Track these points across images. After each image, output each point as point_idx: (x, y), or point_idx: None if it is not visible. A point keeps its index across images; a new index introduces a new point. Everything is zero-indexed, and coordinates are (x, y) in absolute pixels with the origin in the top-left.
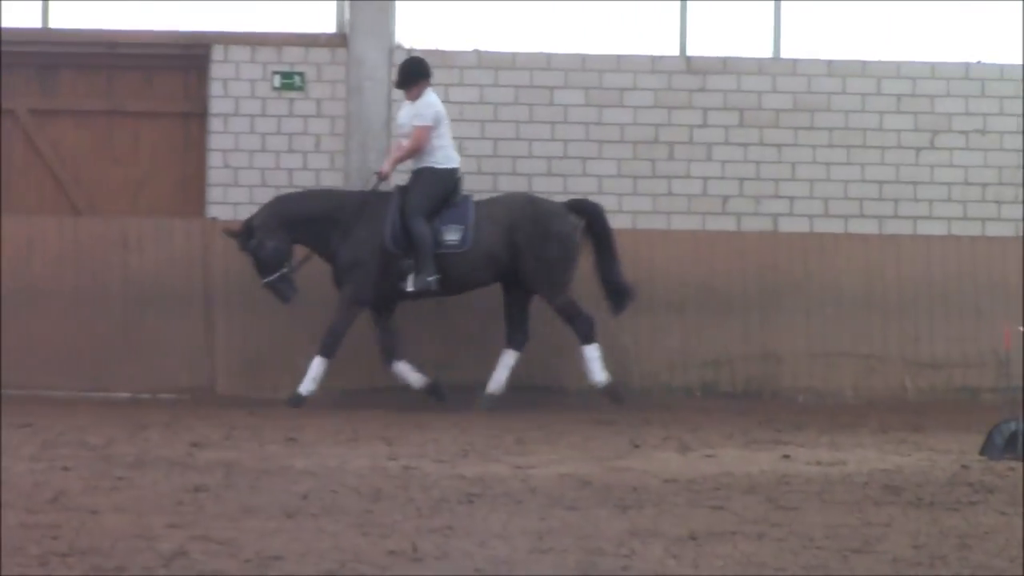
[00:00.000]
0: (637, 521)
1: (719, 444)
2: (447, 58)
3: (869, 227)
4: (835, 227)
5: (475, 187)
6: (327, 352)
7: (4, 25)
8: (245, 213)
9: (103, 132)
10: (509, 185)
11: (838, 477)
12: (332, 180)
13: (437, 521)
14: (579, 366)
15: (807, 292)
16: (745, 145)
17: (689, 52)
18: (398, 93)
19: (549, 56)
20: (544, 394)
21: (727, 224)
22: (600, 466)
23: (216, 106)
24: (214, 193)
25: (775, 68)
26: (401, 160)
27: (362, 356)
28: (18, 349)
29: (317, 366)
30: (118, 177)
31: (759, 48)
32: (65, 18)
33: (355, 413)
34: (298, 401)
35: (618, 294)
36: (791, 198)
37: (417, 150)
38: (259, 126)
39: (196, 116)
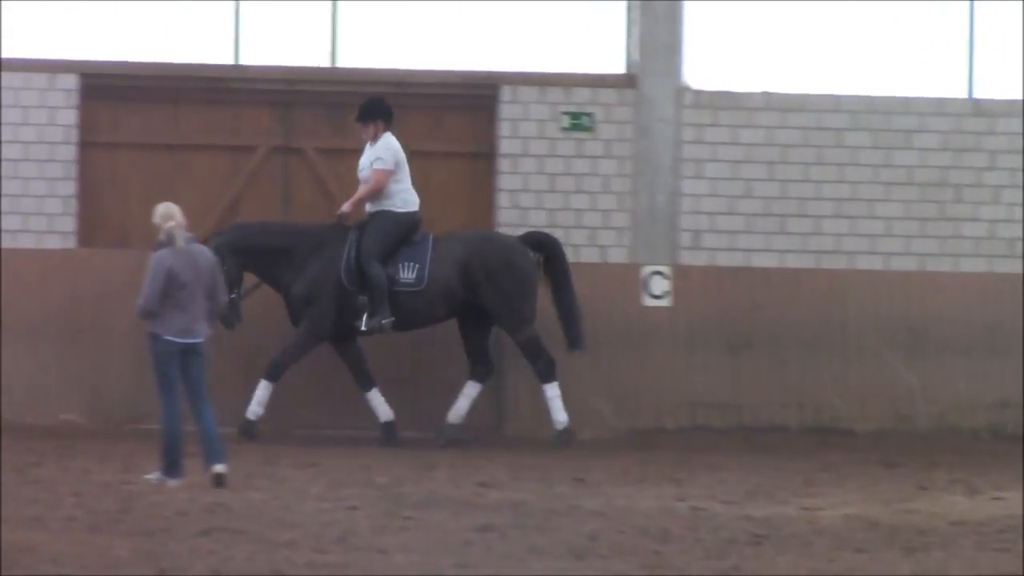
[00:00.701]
0: (924, 564)
1: (1007, 487)
2: (736, 99)
3: None
4: None
5: (763, 228)
6: (272, 376)
7: (293, 64)
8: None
9: None
10: (797, 227)
11: None
12: (620, 221)
13: (725, 563)
14: (851, 407)
15: None
16: None
17: (976, 95)
18: (687, 134)
19: (837, 98)
20: (831, 436)
21: (1014, 267)
22: (887, 508)
23: (504, 146)
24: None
25: None
26: (360, 201)
27: (649, 396)
28: (303, 388)
29: (262, 390)
30: None
31: None
32: (354, 57)
33: (643, 454)
34: (249, 428)
35: (572, 330)
36: None
37: (375, 192)
38: (547, 166)
39: (484, 156)
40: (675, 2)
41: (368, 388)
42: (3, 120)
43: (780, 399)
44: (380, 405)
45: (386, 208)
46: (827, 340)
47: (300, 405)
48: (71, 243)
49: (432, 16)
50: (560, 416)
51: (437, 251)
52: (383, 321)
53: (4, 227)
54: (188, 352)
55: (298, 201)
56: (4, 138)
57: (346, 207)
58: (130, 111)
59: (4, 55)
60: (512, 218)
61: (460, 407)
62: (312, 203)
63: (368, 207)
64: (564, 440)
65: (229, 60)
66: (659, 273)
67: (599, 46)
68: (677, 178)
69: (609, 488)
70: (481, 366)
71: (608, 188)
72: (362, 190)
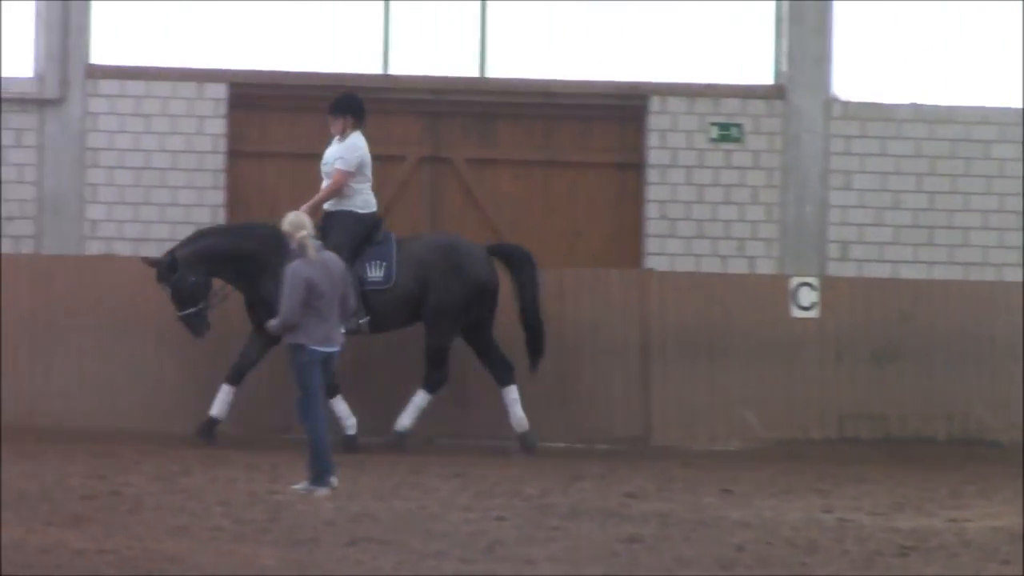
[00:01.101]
0: None
1: None
2: (884, 111)
3: None
4: None
5: (911, 240)
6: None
7: (442, 74)
8: (681, 265)
9: (540, 182)
10: (944, 239)
11: None
12: (768, 232)
13: (871, 574)
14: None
15: None
16: None
17: None
18: (835, 146)
19: (986, 110)
20: (978, 447)
21: None
22: None
23: (653, 157)
24: (651, 244)
25: None
26: (320, 203)
27: (796, 407)
28: (454, 398)
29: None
30: (554, 227)
31: None
32: (502, 67)
33: (789, 464)
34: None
35: (534, 344)
36: None
37: (335, 192)
38: (696, 177)
39: (632, 167)
40: (824, 13)
41: (232, 383)
42: (152, 129)
43: (927, 410)
44: (220, 403)
45: (347, 208)
46: (975, 351)
47: (446, 416)
48: None
49: (581, 26)
50: (406, 422)
51: (401, 251)
52: (360, 320)
53: (154, 237)
54: (327, 361)
55: (446, 211)
56: (152, 147)
57: (305, 208)
58: (279, 120)
59: (153, 64)
60: (660, 229)
61: (516, 413)
62: (460, 213)
63: (327, 206)
64: (396, 442)
65: (378, 70)
66: (807, 284)
67: (748, 57)
68: (825, 189)
69: (756, 499)
70: (501, 370)
71: (756, 199)
72: (323, 192)
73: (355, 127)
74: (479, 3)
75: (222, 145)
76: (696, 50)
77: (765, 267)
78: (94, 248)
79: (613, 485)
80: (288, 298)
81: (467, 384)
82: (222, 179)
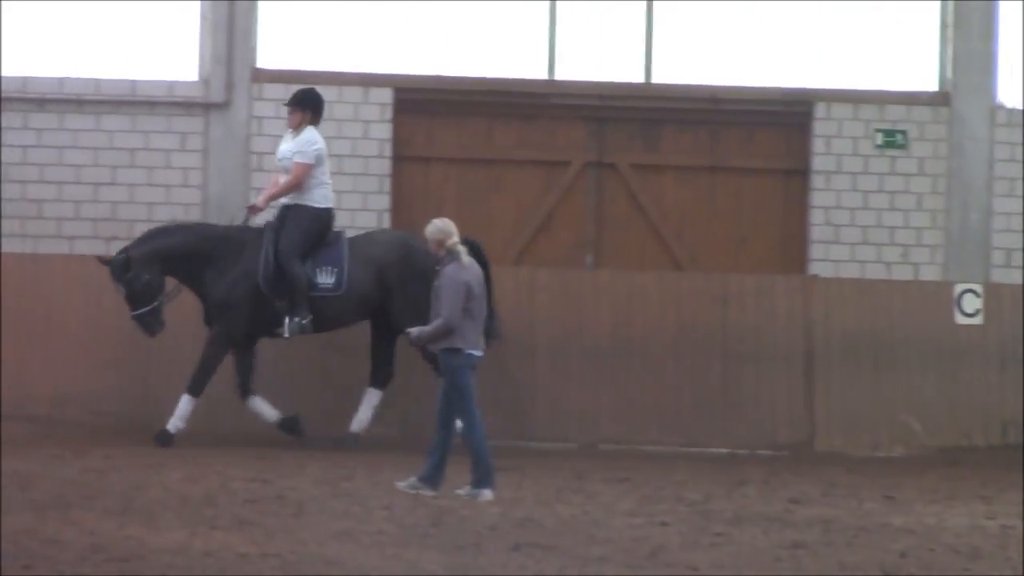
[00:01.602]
0: None
1: None
2: None
3: None
4: None
5: None
6: (195, 390)
7: (607, 80)
8: (846, 271)
9: (705, 188)
10: None
11: None
12: (933, 239)
13: None
14: None
15: None
16: None
17: None
18: (1000, 153)
19: None
20: None
21: None
22: None
23: (818, 163)
24: (816, 250)
25: None
26: (278, 196)
27: (959, 414)
28: (616, 403)
29: (185, 404)
30: (719, 233)
31: None
32: (668, 73)
33: (952, 471)
34: (166, 438)
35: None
36: None
37: (295, 187)
38: (860, 184)
39: (797, 173)
40: (989, 19)
41: (249, 397)
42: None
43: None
44: (264, 409)
45: (304, 203)
46: None
47: (611, 420)
48: None
49: (746, 32)
50: (363, 421)
51: (353, 252)
52: (303, 322)
53: None
54: (477, 364)
55: (610, 216)
56: None
57: (260, 201)
58: (444, 125)
59: (318, 68)
60: (825, 235)
61: (362, 416)
62: (625, 218)
63: (283, 200)
64: (350, 442)
65: (543, 75)
66: (971, 291)
67: (913, 63)
68: (990, 196)
69: (918, 505)
70: (383, 373)
71: (921, 206)
72: (281, 184)
73: (312, 122)
74: (644, 8)
75: (387, 149)
76: (861, 56)
77: (929, 274)
78: None
79: (776, 491)
80: (450, 303)
81: (631, 392)
82: (387, 183)
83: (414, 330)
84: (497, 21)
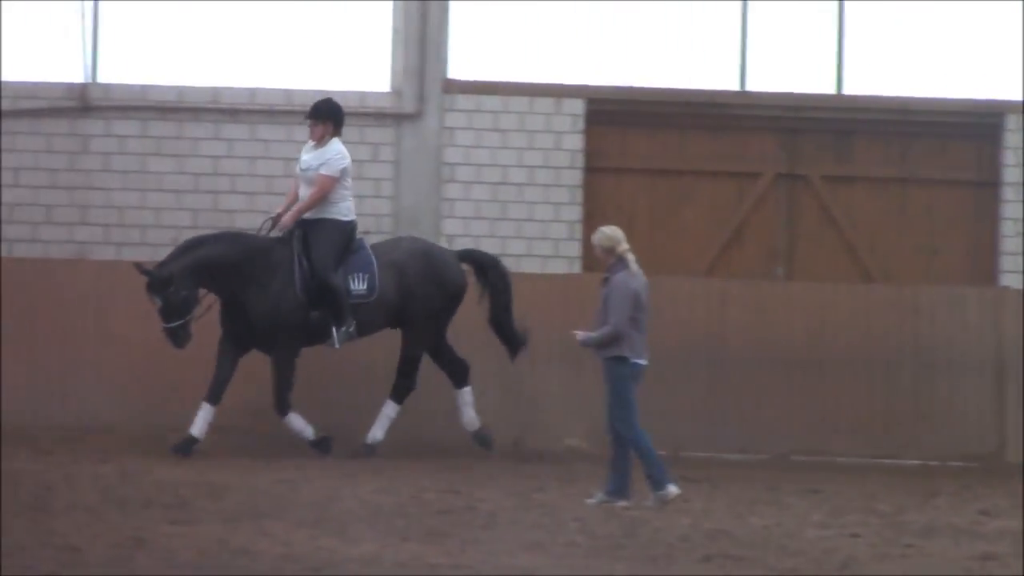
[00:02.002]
0: None
1: None
2: None
3: None
4: None
5: None
6: (282, 409)
7: (798, 91)
8: None
9: (896, 199)
10: None
11: None
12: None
13: None
14: None
15: None
16: None
17: None
18: None
19: None
20: None
21: None
22: None
23: (1009, 175)
24: (1006, 262)
25: None
26: (306, 210)
27: None
28: (808, 415)
29: (294, 422)
30: (910, 244)
31: None
32: (859, 84)
33: None
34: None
35: (509, 342)
36: None
37: (321, 200)
38: None
39: (988, 185)
40: None
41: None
42: (508, 144)
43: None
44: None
45: (331, 216)
46: None
47: (802, 431)
48: (576, 268)
49: (937, 43)
50: (378, 434)
51: (378, 258)
52: (350, 330)
53: (511, 252)
54: (641, 374)
55: (802, 228)
56: (509, 162)
57: (288, 219)
58: (636, 136)
59: (509, 79)
60: (1016, 247)
61: (468, 415)
62: (816, 231)
63: (307, 215)
64: (486, 442)
65: (735, 86)
66: None
67: None
68: None
69: None
70: (460, 369)
71: None
72: (308, 199)
73: (335, 133)
74: (836, 18)
75: (579, 161)
76: None
77: None
78: None
79: (967, 502)
80: (618, 310)
81: (823, 403)
82: (579, 195)
83: (580, 334)
84: (689, 31)
